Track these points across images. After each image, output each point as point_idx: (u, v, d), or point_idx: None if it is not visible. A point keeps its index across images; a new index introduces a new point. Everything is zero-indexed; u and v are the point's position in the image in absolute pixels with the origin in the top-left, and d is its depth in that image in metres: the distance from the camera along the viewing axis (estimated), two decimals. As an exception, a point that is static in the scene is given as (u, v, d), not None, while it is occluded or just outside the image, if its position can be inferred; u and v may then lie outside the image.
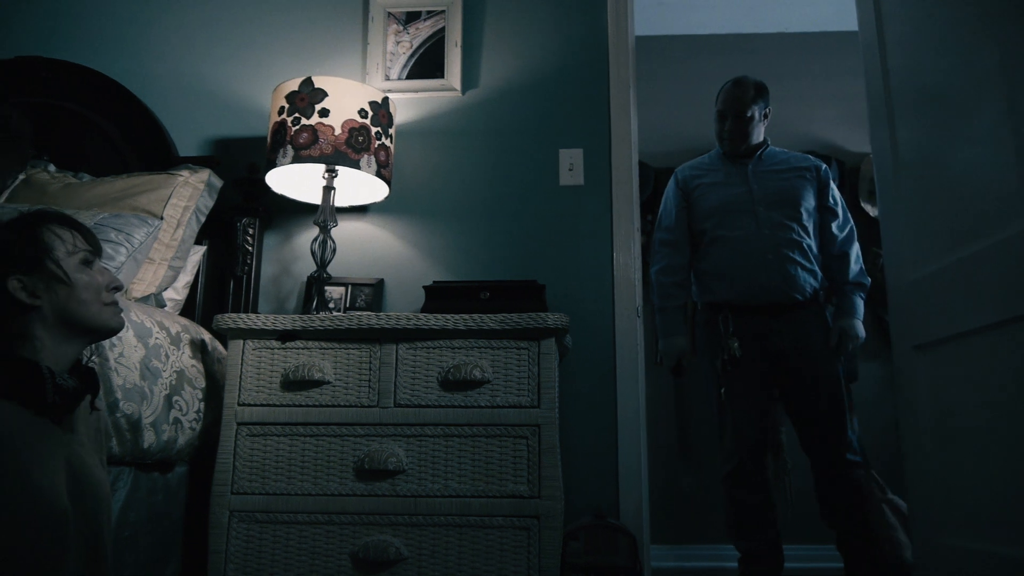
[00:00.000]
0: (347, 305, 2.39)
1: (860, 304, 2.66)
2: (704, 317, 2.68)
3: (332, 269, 2.40)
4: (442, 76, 2.58)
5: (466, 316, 1.89)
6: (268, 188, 2.37)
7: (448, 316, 1.89)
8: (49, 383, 1.15)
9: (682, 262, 2.72)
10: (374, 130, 2.20)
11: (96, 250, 1.30)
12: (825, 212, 2.70)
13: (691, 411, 3.55)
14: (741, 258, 2.60)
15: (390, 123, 2.28)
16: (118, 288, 1.30)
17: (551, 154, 2.51)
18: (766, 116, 2.76)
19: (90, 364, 1.32)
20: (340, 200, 2.38)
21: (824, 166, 2.77)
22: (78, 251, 1.26)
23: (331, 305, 2.35)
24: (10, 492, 1.08)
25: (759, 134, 2.75)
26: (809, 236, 2.63)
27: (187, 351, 1.93)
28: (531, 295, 2.11)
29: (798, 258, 2.58)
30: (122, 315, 1.32)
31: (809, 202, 2.67)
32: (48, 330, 1.21)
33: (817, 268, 2.63)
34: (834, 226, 2.70)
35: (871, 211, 3.72)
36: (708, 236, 2.67)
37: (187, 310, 2.36)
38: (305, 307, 2.38)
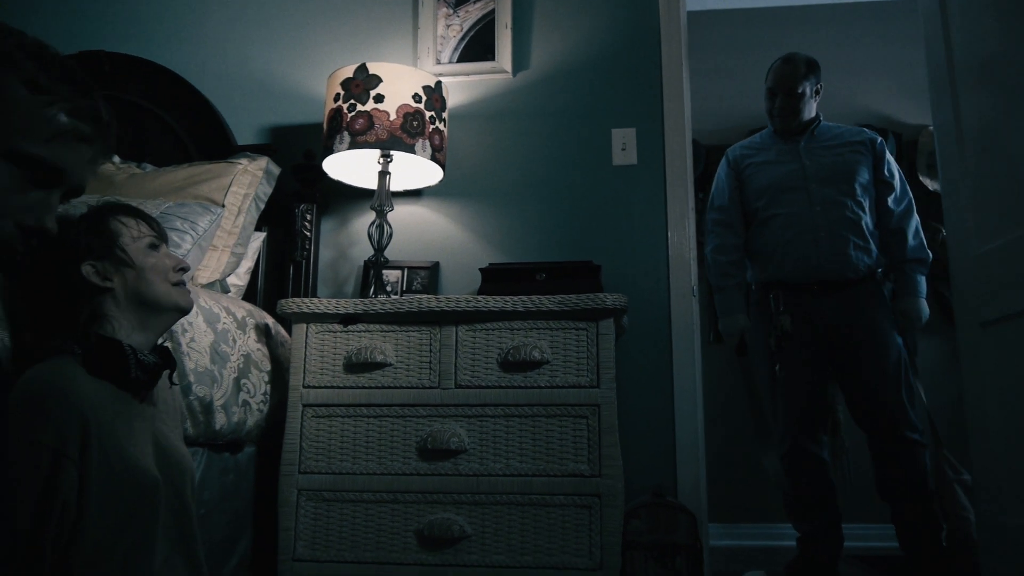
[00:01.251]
0: (404, 288, 2.43)
1: (921, 281, 2.60)
2: (757, 296, 2.67)
3: (388, 253, 2.43)
4: (493, 59, 2.58)
5: (524, 298, 1.90)
6: (324, 174, 2.40)
7: (507, 298, 1.90)
8: (132, 359, 1.22)
9: (736, 241, 2.69)
10: (428, 114, 2.22)
11: (161, 235, 1.36)
12: (881, 186, 2.65)
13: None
14: (792, 236, 2.56)
15: (443, 107, 2.29)
16: (184, 269, 1.36)
17: (604, 134, 2.51)
18: (817, 92, 2.72)
19: (165, 344, 1.38)
20: (395, 184, 2.40)
21: (879, 138, 2.71)
22: (144, 236, 1.32)
23: (388, 288, 2.39)
24: (107, 464, 1.13)
25: (811, 110, 2.71)
26: (864, 212, 2.58)
27: (252, 335, 1.99)
28: (587, 276, 2.12)
29: (851, 235, 2.54)
30: (191, 296, 1.38)
31: (864, 176, 2.61)
32: (122, 311, 1.28)
33: (873, 245, 2.57)
34: (890, 200, 2.64)
35: (930, 185, 3.64)
36: (761, 215, 2.65)
37: (249, 295, 2.42)
38: (363, 291, 2.42)
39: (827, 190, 2.58)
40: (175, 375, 1.37)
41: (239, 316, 1.95)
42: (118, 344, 1.22)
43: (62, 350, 1.22)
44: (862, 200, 2.59)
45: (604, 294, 1.89)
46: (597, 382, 1.87)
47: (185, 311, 1.36)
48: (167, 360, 1.32)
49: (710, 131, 3.77)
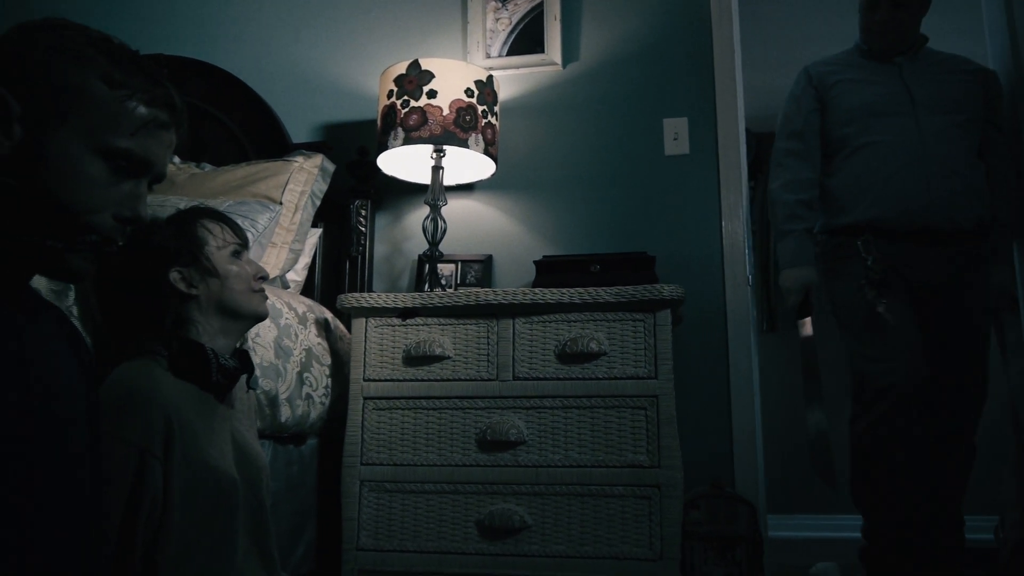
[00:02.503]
0: (458, 281, 2.45)
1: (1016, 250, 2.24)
2: (831, 245, 2.24)
3: (442, 246, 2.45)
4: (542, 51, 2.58)
5: (581, 290, 1.91)
6: (378, 170, 2.44)
7: (564, 290, 1.91)
8: (214, 363, 1.26)
9: (811, 176, 2.25)
10: (480, 108, 2.23)
11: (244, 242, 1.40)
12: (992, 128, 2.25)
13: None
14: (896, 170, 2.13)
15: (495, 101, 2.31)
16: (264, 277, 1.39)
17: (655, 124, 2.49)
18: (927, 5, 2.28)
19: (244, 347, 1.41)
20: (447, 179, 2.42)
21: (995, 72, 2.33)
22: (228, 244, 1.35)
23: (443, 282, 2.42)
24: (189, 464, 1.17)
25: (917, 27, 2.29)
26: (978, 153, 2.21)
27: (313, 330, 2.03)
28: (641, 267, 2.11)
29: (967, 177, 2.13)
30: (267, 304, 1.42)
31: (978, 111, 2.22)
32: (206, 317, 1.31)
33: (986, 195, 2.18)
34: (1000, 145, 2.24)
35: None
36: (850, 144, 2.22)
37: (306, 291, 2.47)
38: (418, 285, 2.45)
39: (939, 119, 2.15)
40: (252, 379, 1.41)
41: (300, 311, 2.00)
42: (201, 348, 1.26)
43: (147, 351, 1.26)
44: (975, 139, 2.19)
45: (661, 285, 1.89)
46: (655, 373, 1.87)
47: (262, 319, 1.40)
48: (246, 364, 1.36)
49: (761, 117, 3.71)
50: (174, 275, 1.29)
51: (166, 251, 1.29)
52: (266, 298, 1.42)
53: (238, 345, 1.41)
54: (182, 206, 1.56)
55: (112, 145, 0.85)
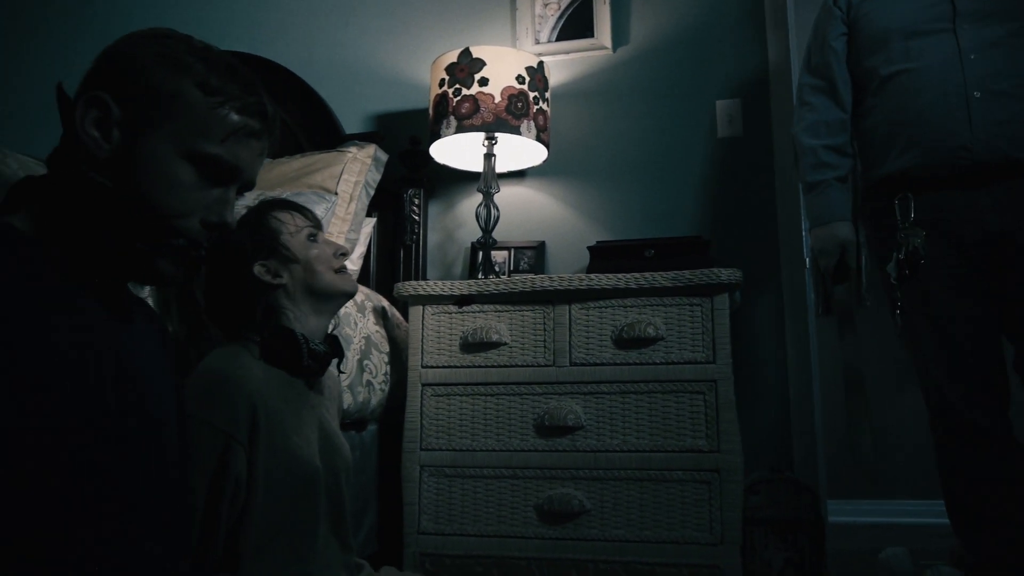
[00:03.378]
0: (511, 268, 2.46)
1: None
2: (871, 206, 1.93)
3: (494, 233, 2.46)
4: (592, 35, 2.56)
5: (637, 275, 1.90)
6: (430, 158, 2.45)
7: (620, 276, 1.91)
8: (304, 348, 1.28)
9: (840, 116, 1.93)
10: (532, 95, 2.23)
11: (316, 224, 1.42)
12: None
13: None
14: (929, 102, 1.77)
15: (546, 87, 2.30)
16: (345, 254, 1.41)
17: (708, 106, 2.47)
18: None
19: (334, 332, 1.44)
20: (499, 165, 2.43)
21: None
22: (301, 229, 1.37)
23: (496, 269, 2.43)
24: (273, 452, 1.20)
25: None
26: None
27: (371, 318, 2.06)
28: (696, 251, 2.10)
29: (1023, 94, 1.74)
30: (353, 280, 1.44)
31: None
32: (295, 303, 1.34)
33: None
34: None
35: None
36: (881, 74, 1.86)
37: (362, 279, 2.50)
38: (471, 272, 2.47)
39: (987, 31, 1.77)
40: (341, 364, 1.43)
41: (358, 300, 2.03)
42: (292, 333, 1.29)
43: (239, 337, 1.30)
44: None
45: (719, 269, 1.87)
46: (713, 357, 1.86)
47: (351, 295, 1.41)
48: (336, 349, 1.37)
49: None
50: (258, 269, 1.31)
51: (245, 248, 1.32)
52: (350, 275, 1.44)
53: (330, 329, 1.43)
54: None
55: (202, 151, 0.87)
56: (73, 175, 0.84)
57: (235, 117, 0.88)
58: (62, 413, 0.77)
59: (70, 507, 0.77)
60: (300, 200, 2.20)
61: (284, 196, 2.21)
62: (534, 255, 2.47)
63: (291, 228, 1.36)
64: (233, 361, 1.24)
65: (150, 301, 1.37)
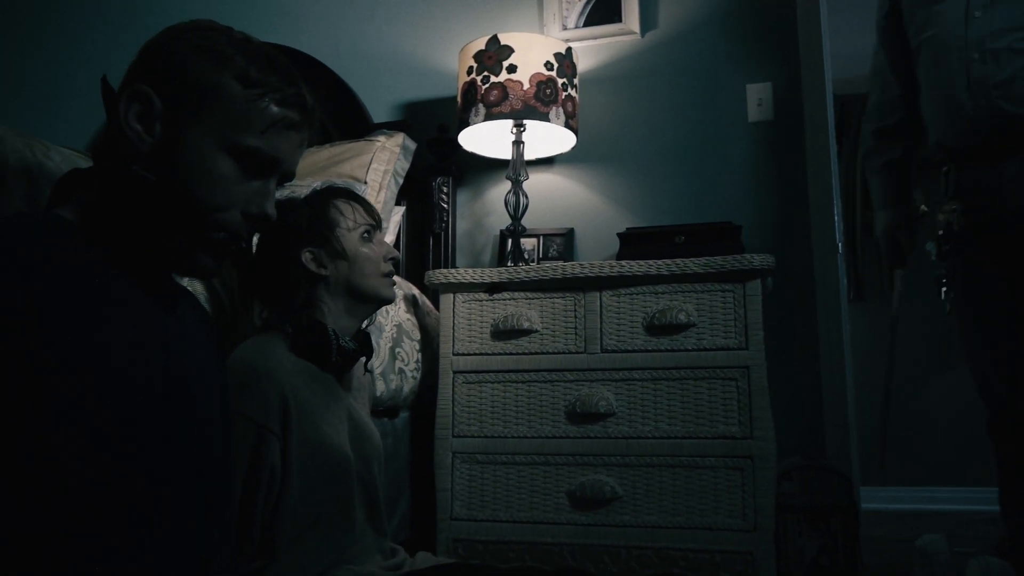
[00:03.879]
0: (540, 256, 2.46)
1: None
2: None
3: (523, 221, 2.46)
4: (620, 20, 2.55)
5: (668, 261, 1.89)
6: (458, 147, 2.45)
7: (651, 262, 1.90)
8: (334, 344, 1.29)
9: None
10: (560, 81, 2.22)
11: (376, 223, 1.40)
12: None
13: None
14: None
15: (574, 73, 2.29)
16: (395, 259, 1.41)
17: (738, 90, 2.44)
18: None
19: (366, 329, 1.44)
20: (527, 153, 2.43)
21: None
22: (359, 226, 1.36)
23: (525, 256, 2.43)
24: (305, 440, 1.22)
25: None
26: None
27: (402, 306, 2.07)
28: (727, 237, 2.08)
29: None
30: (395, 288, 1.43)
31: None
32: (333, 298, 1.34)
33: None
34: None
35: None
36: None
37: (392, 268, 2.52)
38: (500, 260, 2.47)
39: None
40: (370, 363, 1.43)
41: (389, 288, 2.04)
42: (323, 328, 1.29)
43: (272, 326, 1.31)
44: None
45: (751, 255, 1.86)
46: (745, 344, 1.85)
47: (388, 303, 1.41)
48: (365, 346, 1.38)
49: (846, 79, 3.59)
50: (306, 255, 1.32)
51: (299, 231, 1.32)
52: (394, 282, 1.42)
53: (363, 326, 1.43)
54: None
55: (242, 143, 0.87)
56: (117, 168, 0.85)
57: (275, 109, 0.88)
58: (115, 401, 0.78)
59: (121, 494, 0.78)
60: (330, 189, 2.23)
61: (315, 186, 2.24)
62: (563, 242, 2.47)
63: (349, 223, 1.35)
64: (263, 353, 1.25)
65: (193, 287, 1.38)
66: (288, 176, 0.94)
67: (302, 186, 1.95)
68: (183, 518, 0.86)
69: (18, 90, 3.10)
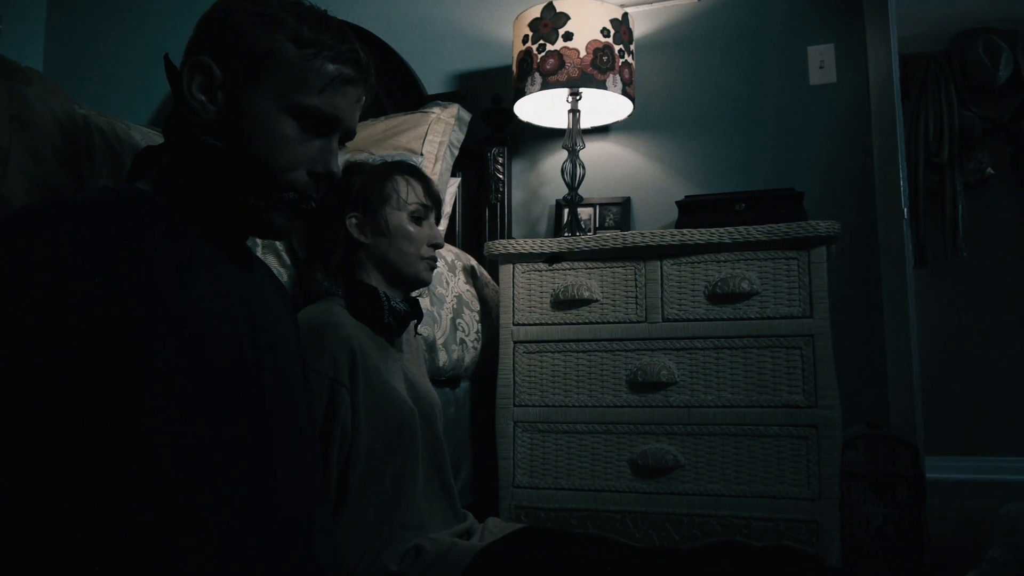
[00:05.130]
0: (596, 225, 2.45)
1: None
2: None
3: (578, 190, 2.46)
4: (676, -17, 2.50)
5: (731, 229, 1.87)
6: (513, 117, 2.44)
7: (713, 230, 1.88)
8: (386, 305, 1.32)
9: None
10: (617, 48, 2.19)
11: (432, 206, 1.42)
12: None
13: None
14: None
15: (631, 39, 2.26)
16: (437, 246, 1.42)
17: (798, 53, 2.38)
18: None
19: (416, 296, 1.47)
20: (582, 121, 2.41)
21: None
22: (409, 205, 1.38)
23: (581, 225, 2.42)
24: (371, 392, 1.25)
25: None
26: None
27: (461, 277, 2.09)
28: (789, 203, 2.05)
29: None
30: (431, 273, 1.44)
31: None
32: (373, 268, 1.37)
33: None
34: None
35: None
36: None
37: (448, 239, 2.53)
38: (556, 229, 2.47)
39: None
40: (419, 326, 1.46)
41: (449, 259, 2.06)
42: (374, 291, 1.33)
43: (327, 293, 1.34)
44: None
45: (816, 222, 1.82)
46: (810, 312, 1.82)
47: (423, 285, 1.43)
48: (415, 310, 1.41)
49: (909, 37, 3.47)
50: (351, 220, 1.35)
51: (350, 192, 1.35)
52: (434, 267, 1.44)
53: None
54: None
55: (301, 103, 0.88)
56: (186, 139, 0.87)
57: (330, 66, 0.89)
58: (211, 359, 0.81)
59: (223, 452, 0.81)
60: (388, 162, 2.24)
61: (371, 159, 2.25)
62: (619, 211, 2.45)
63: (400, 200, 1.37)
64: (327, 312, 1.29)
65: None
66: (349, 134, 0.95)
67: (361, 158, 1.97)
68: (289, 475, 0.89)
69: (80, 76, 3.17)
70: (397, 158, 1.50)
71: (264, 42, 0.88)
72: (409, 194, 1.39)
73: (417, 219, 1.39)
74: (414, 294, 1.51)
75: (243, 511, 0.81)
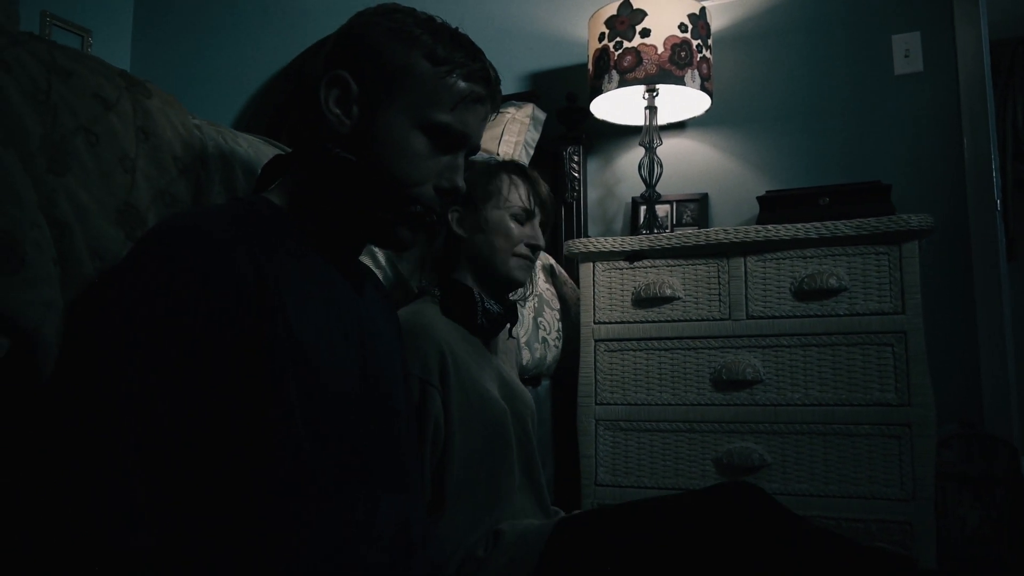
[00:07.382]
0: (673, 222, 2.43)
1: None
2: None
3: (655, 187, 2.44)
4: (753, -25, 2.46)
5: (818, 224, 1.84)
6: (588, 115, 2.44)
7: (799, 225, 1.85)
8: (480, 306, 1.33)
9: None
10: (695, 43, 2.17)
11: (537, 207, 1.41)
12: None
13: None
14: None
15: (708, 34, 2.24)
16: (536, 247, 1.41)
17: (882, 41, 2.32)
18: None
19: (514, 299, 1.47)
20: (659, 117, 2.39)
21: None
22: (512, 206, 1.37)
23: (659, 223, 2.41)
24: (464, 393, 1.26)
25: None
26: None
27: (541, 276, 2.10)
28: (876, 197, 2.00)
29: None
30: (526, 273, 1.42)
31: None
32: (468, 264, 1.38)
33: None
34: None
35: None
36: None
37: (524, 238, 2.55)
38: (632, 227, 2.46)
39: None
40: (514, 329, 1.45)
41: (529, 258, 2.07)
42: (469, 291, 1.34)
43: (423, 292, 1.36)
44: None
45: (908, 215, 1.78)
46: (902, 308, 1.78)
47: (516, 285, 1.41)
48: (511, 312, 1.41)
49: (995, 21, 3.34)
50: (453, 215, 1.36)
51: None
52: (528, 267, 1.41)
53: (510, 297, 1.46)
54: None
55: (433, 120, 0.90)
56: (321, 151, 0.90)
57: (462, 84, 0.91)
58: (331, 386, 0.84)
59: (340, 473, 0.84)
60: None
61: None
62: (697, 208, 2.43)
63: (503, 200, 1.37)
64: (419, 312, 1.30)
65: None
66: (475, 149, 0.96)
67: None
68: (398, 485, 0.92)
69: (165, 85, 3.29)
70: (515, 161, 1.49)
71: (400, 59, 0.89)
72: (512, 193, 1.38)
73: (520, 219, 1.38)
74: (513, 297, 1.50)
75: (352, 528, 0.84)
